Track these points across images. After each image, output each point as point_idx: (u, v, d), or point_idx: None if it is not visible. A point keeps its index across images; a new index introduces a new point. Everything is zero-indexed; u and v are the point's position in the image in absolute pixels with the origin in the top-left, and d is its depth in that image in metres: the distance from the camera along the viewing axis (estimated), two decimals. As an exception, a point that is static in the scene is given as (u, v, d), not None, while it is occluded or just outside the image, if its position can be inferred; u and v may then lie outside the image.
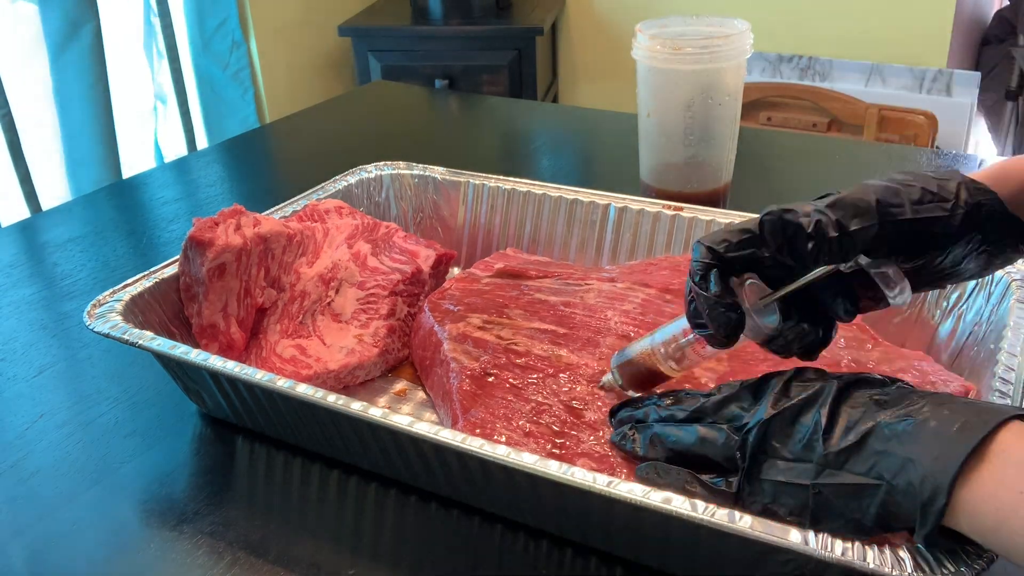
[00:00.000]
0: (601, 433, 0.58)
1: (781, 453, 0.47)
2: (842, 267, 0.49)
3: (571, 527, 0.54)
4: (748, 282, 0.49)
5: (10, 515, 0.60)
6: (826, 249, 0.47)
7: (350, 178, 0.89)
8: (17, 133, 1.69)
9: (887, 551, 0.42)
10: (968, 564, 0.41)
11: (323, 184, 0.87)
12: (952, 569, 0.41)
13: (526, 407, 0.61)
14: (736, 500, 0.48)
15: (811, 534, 0.44)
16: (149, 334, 0.63)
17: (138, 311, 0.67)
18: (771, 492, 0.46)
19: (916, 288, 0.50)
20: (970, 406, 0.43)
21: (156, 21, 2.02)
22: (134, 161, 2.02)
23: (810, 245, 0.47)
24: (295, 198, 0.84)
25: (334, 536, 0.57)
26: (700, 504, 0.46)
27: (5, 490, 0.62)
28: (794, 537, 0.43)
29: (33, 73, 1.74)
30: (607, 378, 0.61)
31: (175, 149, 2.14)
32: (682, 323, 0.55)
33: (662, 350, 0.57)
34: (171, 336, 0.68)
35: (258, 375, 0.58)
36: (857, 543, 0.43)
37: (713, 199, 0.95)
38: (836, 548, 0.43)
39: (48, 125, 1.77)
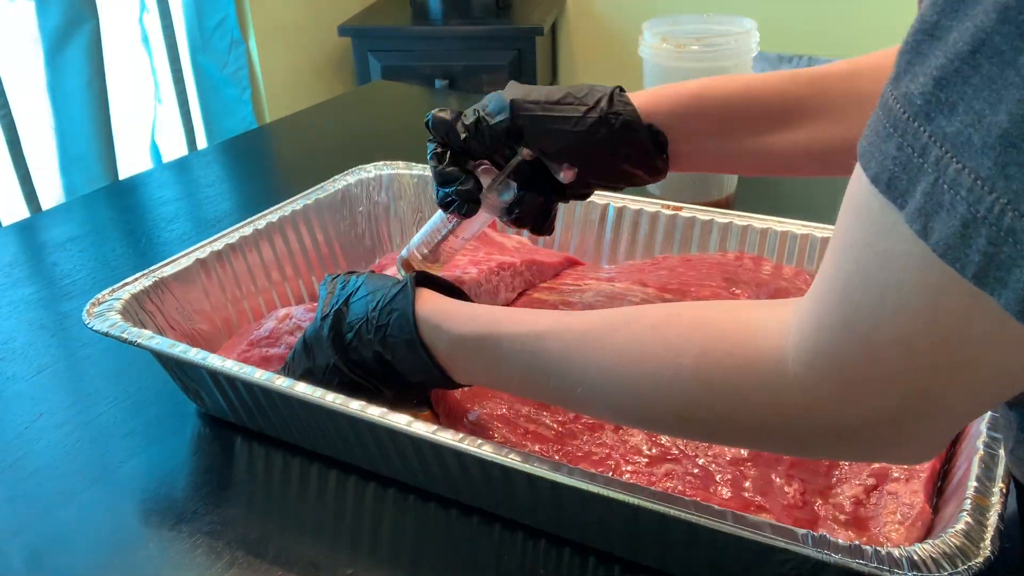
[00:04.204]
0: (601, 434, 0.58)
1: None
2: (524, 155, 0.60)
3: (570, 527, 0.54)
4: (482, 167, 0.62)
5: (9, 514, 0.60)
6: (475, 138, 0.60)
7: (350, 178, 0.89)
8: (17, 133, 1.69)
9: (885, 551, 0.42)
10: (966, 564, 0.42)
11: (323, 184, 0.87)
12: (951, 569, 0.41)
13: (526, 407, 0.61)
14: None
15: (809, 534, 0.44)
16: (148, 333, 0.63)
17: (137, 310, 0.67)
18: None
19: (592, 183, 0.63)
20: (394, 322, 0.55)
21: (155, 20, 2.02)
22: (132, 160, 2.02)
23: (463, 135, 0.60)
24: (295, 198, 0.84)
25: (333, 536, 0.57)
26: (699, 504, 0.46)
27: (4, 489, 0.62)
28: (792, 537, 0.44)
29: (30, 72, 1.74)
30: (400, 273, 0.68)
31: (173, 148, 2.14)
32: (431, 225, 0.66)
33: (417, 255, 0.68)
34: (170, 335, 0.68)
35: (256, 374, 0.58)
36: (855, 543, 0.43)
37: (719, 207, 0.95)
38: (834, 548, 0.43)
39: (45, 124, 1.77)
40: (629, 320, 0.46)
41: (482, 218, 0.65)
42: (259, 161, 1.30)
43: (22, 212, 1.73)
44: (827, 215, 0.79)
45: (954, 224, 0.28)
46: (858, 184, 0.33)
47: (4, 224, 1.33)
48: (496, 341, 0.51)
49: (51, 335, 0.81)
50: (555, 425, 0.59)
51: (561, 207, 0.83)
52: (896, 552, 0.42)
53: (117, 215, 1.09)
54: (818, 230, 0.74)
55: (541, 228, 0.64)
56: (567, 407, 0.56)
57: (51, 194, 1.81)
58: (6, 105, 1.66)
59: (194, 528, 0.57)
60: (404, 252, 0.69)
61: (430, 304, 0.55)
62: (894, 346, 0.33)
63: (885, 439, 0.37)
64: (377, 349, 0.56)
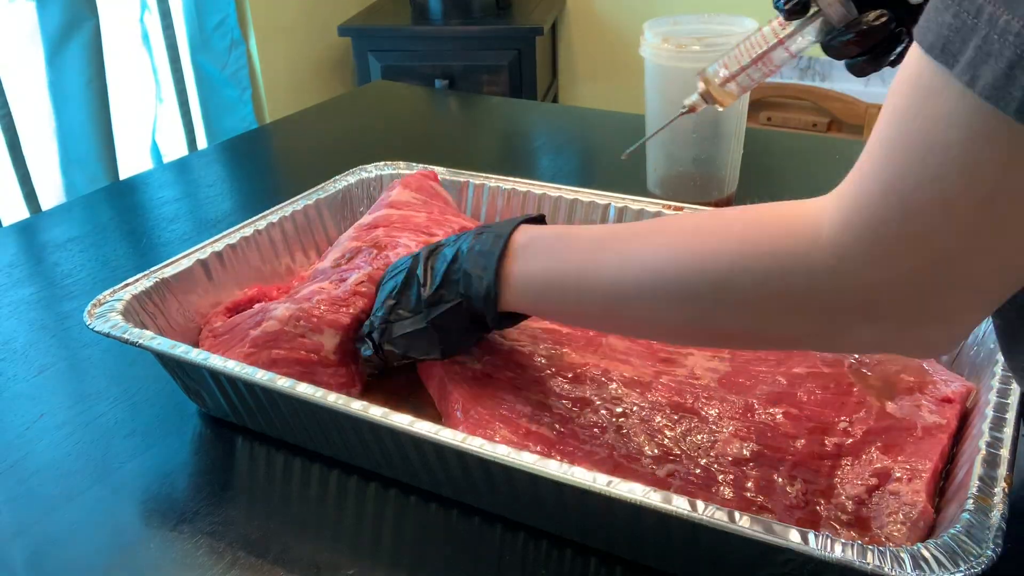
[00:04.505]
0: (603, 435, 0.58)
1: (403, 315, 0.62)
2: None
3: (571, 527, 0.54)
4: None
5: (10, 515, 0.60)
6: None
7: (350, 178, 0.89)
8: (17, 133, 1.69)
9: (887, 551, 0.42)
10: (968, 564, 0.42)
11: (323, 184, 0.87)
12: (953, 569, 0.41)
13: (527, 407, 0.61)
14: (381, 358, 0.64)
15: (811, 534, 0.44)
16: (149, 333, 0.63)
17: (138, 310, 0.67)
18: (403, 344, 0.62)
19: None
20: (498, 226, 0.59)
21: (155, 20, 2.02)
22: (132, 160, 2.02)
23: None
24: (295, 198, 0.84)
25: (334, 536, 0.57)
26: (700, 504, 0.46)
27: (5, 490, 0.62)
28: (794, 537, 0.44)
29: (31, 72, 1.74)
30: (694, 97, 0.68)
31: (173, 148, 2.14)
32: (750, 39, 0.64)
33: (727, 68, 0.65)
34: (171, 336, 0.68)
35: (258, 374, 0.58)
36: (857, 543, 0.43)
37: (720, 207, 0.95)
38: (836, 548, 0.43)
39: (45, 124, 1.77)
40: (698, 212, 0.51)
41: (813, 34, 0.60)
42: (259, 161, 1.30)
43: (22, 212, 1.73)
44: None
45: (1000, 67, 0.31)
46: (911, 60, 0.35)
47: (4, 224, 1.33)
48: (576, 233, 0.56)
49: (52, 335, 0.81)
50: (556, 425, 0.59)
51: (563, 207, 0.84)
52: (899, 552, 0.42)
53: (117, 215, 1.09)
54: (819, 230, 0.74)
55: (879, 60, 0.58)
56: (617, 300, 0.52)
57: (51, 194, 1.81)
58: (6, 105, 1.66)
59: (195, 528, 0.57)
60: (711, 67, 0.66)
61: (539, 225, 0.59)
62: (931, 206, 0.35)
63: (908, 313, 0.39)
64: (461, 246, 0.60)
